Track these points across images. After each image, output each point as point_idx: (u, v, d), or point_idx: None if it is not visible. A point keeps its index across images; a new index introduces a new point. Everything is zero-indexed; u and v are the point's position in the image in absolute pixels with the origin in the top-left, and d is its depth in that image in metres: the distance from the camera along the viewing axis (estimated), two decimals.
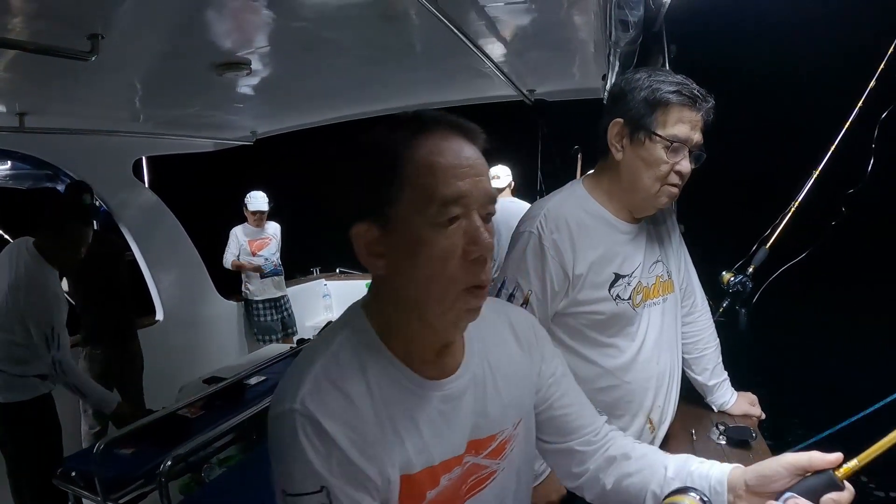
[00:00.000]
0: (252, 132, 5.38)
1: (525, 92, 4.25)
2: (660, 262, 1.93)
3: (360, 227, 0.98)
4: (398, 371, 1.02)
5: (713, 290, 2.42)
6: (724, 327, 2.40)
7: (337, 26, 2.46)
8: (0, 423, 3.32)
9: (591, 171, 1.94)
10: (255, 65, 2.85)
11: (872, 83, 2.49)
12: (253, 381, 3.85)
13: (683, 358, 2.10)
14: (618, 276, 1.82)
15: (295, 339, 6.39)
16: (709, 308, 2.24)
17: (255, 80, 3.23)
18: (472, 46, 2.61)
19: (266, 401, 3.16)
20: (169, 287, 5.41)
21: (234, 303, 6.40)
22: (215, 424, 2.97)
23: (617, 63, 2.40)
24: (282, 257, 6.61)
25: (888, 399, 2.22)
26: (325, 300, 7.96)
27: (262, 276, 6.33)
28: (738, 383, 2.30)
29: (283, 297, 6.56)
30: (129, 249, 5.07)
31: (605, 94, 3.23)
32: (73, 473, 2.86)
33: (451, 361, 1.09)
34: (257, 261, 6.32)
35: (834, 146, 2.56)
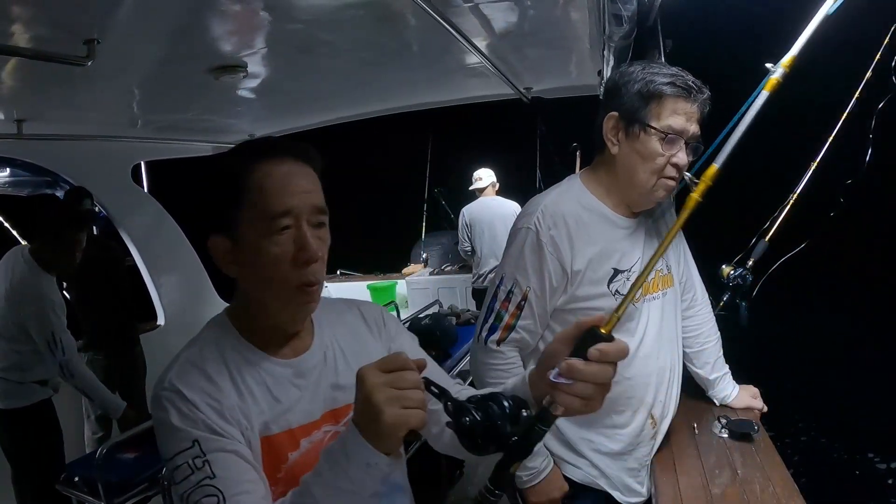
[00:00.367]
0: (250, 135, 5.35)
1: (522, 90, 4.25)
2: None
3: (216, 240, 1.18)
4: (254, 355, 1.21)
5: (713, 284, 2.42)
6: (725, 321, 2.40)
7: (333, 28, 2.45)
8: (1, 430, 3.32)
9: (589, 166, 1.93)
10: (252, 67, 2.85)
11: (869, 74, 2.49)
12: None
13: (684, 352, 2.10)
14: (617, 272, 1.81)
15: None
16: (709, 302, 2.24)
17: (251, 83, 3.23)
18: (467, 45, 2.62)
19: None
20: (170, 292, 5.40)
21: None
22: None
23: (612, 58, 2.41)
24: None
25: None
26: None
27: None
28: (740, 376, 2.29)
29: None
30: (129, 255, 5.06)
31: (601, 89, 3.23)
32: (77, 478, 2.86)
33: (300, 345, 1.28)
34: None
35: (832, 137, 2.55)
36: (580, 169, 1.96)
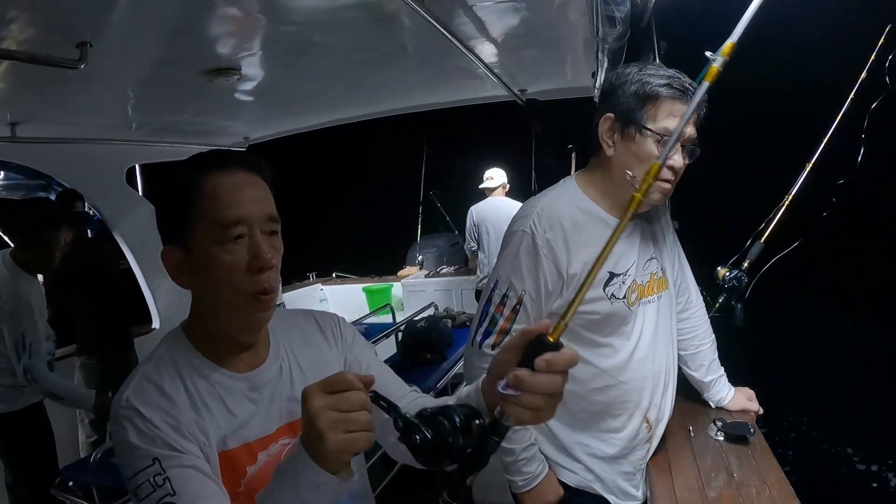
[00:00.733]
0: (245, 138, 5.38)
1: (517, 92, 4.25)
2: (654, 259, 1.91)
3: (167, 251, 1.18)
4: (209, 368, 1.21)
5: (709, 286, 2.42)
6: (721, 323, 2.40)
7: (327, 30, 2.45)
8: None
9: (584, 168, 1.92)
10: (246, 70, 2.84)
11: (864, 75, 2.49)
12: None
13: (680, 355, 2.09)
14: (612, 275, 1.81)
15: None
16: (703, 304, 2.23)
17: (246, 86, 3.23)
18: (461, 48, 2.61)
19: None
20: (165, 295, 5.38)
21: None
22: None
23: (606, 60, 2.40)
24: None
25: None
26: (322, 305, 7.95)
27: None
28: (736, 378, 2.29)
29: (279, 305, 6.49)
30: (123, 258, 5.05)
31: (596, 91, 3.23)
32: (71, 483, 2.86)
33: (255, 357, 1.27)
34: None
35: (827, 138, 2.55)
36: (575, 171, 1.95)
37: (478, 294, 6.48)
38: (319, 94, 3.89)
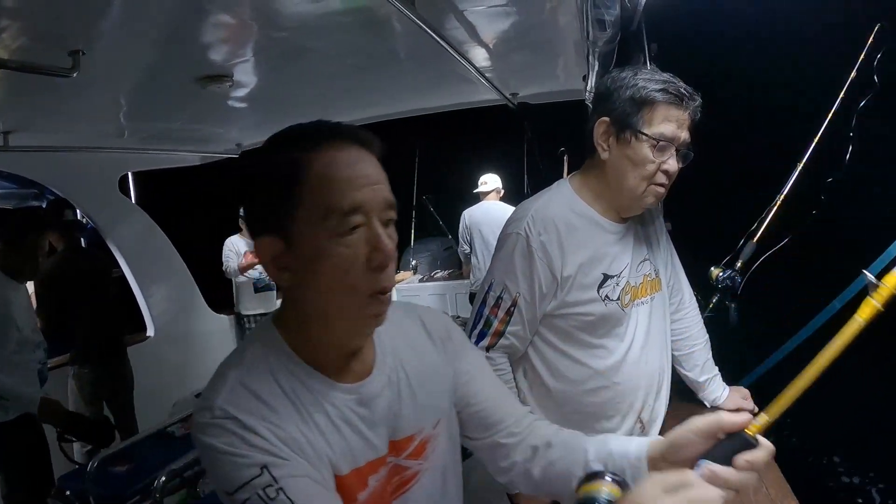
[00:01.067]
0: (237, 144, 5.36)
1: (508, 96, 4.26)
2: (647, 260, 1.92)
3: (265, 241, 1.00)
4: (310, 378, 1.04)
5: (702, 286, 2.43)
6: (715, 323, 2.41)
7: (318, 35, 2.45)
8: None
9: (578, 171, 1.93)
10: (238, 76, 2.84)
11: (853, 74, 2.51)
12: None
13: (674, 355, 2.10)
14: (606, 277, 1.81)
15: None
16: (696, 304, 2.24)
17: (238, 92, 3.22)
18: (453, 52, 2.62)
19: None
20: (159, 303, 5.38)
21: (226, 317, 6.36)
22: None
23: (596, 63, 2.41)
24: None
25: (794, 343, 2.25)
26: None
27: (256, 290, 6.28)
28: (730, 378, 2.30)
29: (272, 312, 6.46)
30: (116, 266, 5.04)
31: (587, 94, 3.24)
32: (68, 492, 2.85)
33: (362, 365, 1.10)
34: (252, 274, 6.20)
35: (817, 137, 2.57)
36: (568, 174, 1.96)
37: (472, 298, 6.46)
38: (312, 100, 3.89)
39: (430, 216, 8.89)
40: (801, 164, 2.61)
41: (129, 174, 5.50)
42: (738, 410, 2.17)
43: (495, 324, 1.83)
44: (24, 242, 3.40)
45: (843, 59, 2.56)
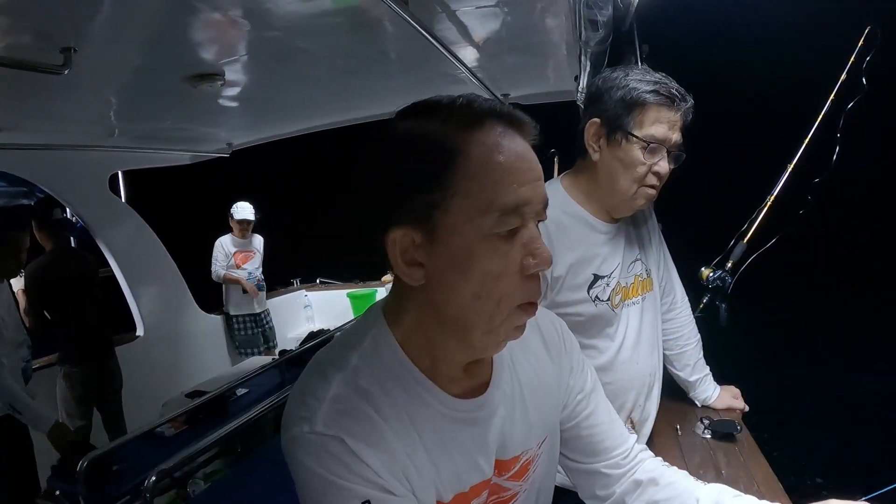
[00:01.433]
0: (228, 144, 5.35)
1: (499, 96, 4.26)
2: (639, 260, 1.93)
3: (398, 233, 0.85)
4: (425, 390, 0.92)
5: (692, 287, 2.44)
6: (705, 322, 2.42)
7: (310, 36, 2.45)
8: None
9: (569, 171, 1.93)
10: (229, 76, 2.83)
11: (843, 76, 2.52)
12: (237, 392, 3.82)
13: (665, 354, 2.10)
14: (597, 277, 1.81)
15: (276, 351, 6.29)
16: (689, 304, 2.25)
17: (229, 92, 3.22)
18: (445, 52, 2.62)
19: (250, 412, 3.14)
20: (149, 302, 5.36)
21: (216, 316, 6.35)
22: (199, 438, 2.92)
23: (588, 63, 2.42)
24: (262, 268, 6.56)
25: None
26: (307, 311, 7.93)
27: (245, 290, 6.28)
28: (721, 377, 2.31)
29: (263, 312, 6.49)
30: (105, 265, 5.01)
31: (579, 94, 3.25)
32: (57, 492, 2.83)
33: (479, 378, 0.98)
34: (241, 274, 6.26)
35: (808, 138, 2.58)
36: (557, 174, 1.96)
37: None
38: (303, 100, 3.88)
39: None
40: (792, 165, 2.62)
41: (119, 173, 5.46)
42: (728, 410, 2.22)
43: None
44: (5, 240, 3.38)
45: (833, 62, 2.57)
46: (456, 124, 0.83)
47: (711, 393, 2.24)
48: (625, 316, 1.88)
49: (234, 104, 3.62)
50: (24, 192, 4.81)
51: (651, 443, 2.02)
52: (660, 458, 1.21)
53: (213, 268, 6.28)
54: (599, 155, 1.77)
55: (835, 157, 2.55)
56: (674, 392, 2.27)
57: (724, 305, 2.55)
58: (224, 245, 6.28)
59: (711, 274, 2.58)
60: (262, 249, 6.50)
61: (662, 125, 1.67)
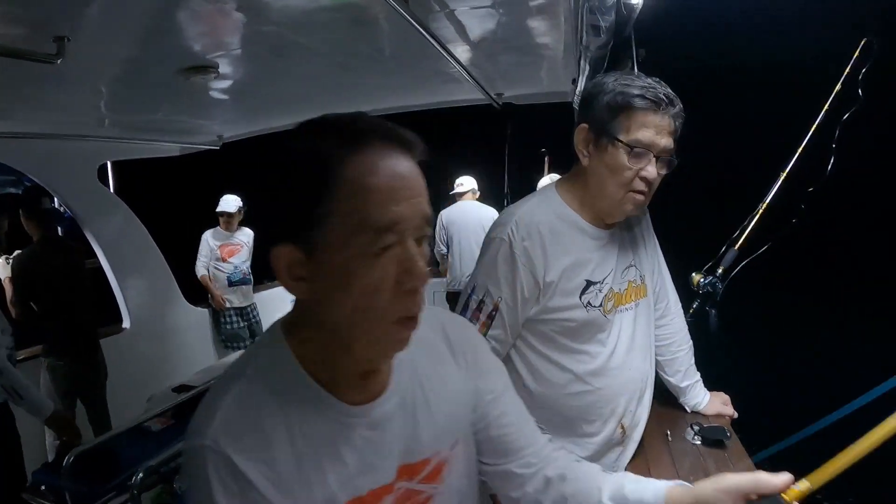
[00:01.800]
0: (219, 136, 5.34)
1: (493, 96, 4.27)
2: (633, 266, 1.93)
3: (283, 249, 0.89)
4: (319, 398, 0.95)
5: (682, 292, 2.45)
6: (694, 328, 2.42)
7: (308, 31, 2.43)
8: None
9: (565, 176, 1.93)
10: (224, 68, 2.81)
11: (838, 86, 2.54)
12: None
13: (656, 360, 2.11)
14: (589, 283, 1.81)
15: None
16: (682, 310, 2.25)
17: (223, 84, 3.20)
18: (442, 51, 2.61)
19: None
20: (136, 295, 5.32)
21: (203, 310, 6.31)
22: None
23: (587, 67, 2.41)
24: (251, 262, 6.51)
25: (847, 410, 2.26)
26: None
27: (230, 284, 6.24)
28: (710, 383, 2.32)
29: (249, 305, 6.45)
30: (92, 256, 4.97)
31: (576, 98, 3.25)
32: (43, 487, 2.80)
33: (377, 384, 1.01)
34: (227, 268, 6.22)
35: (801, 147, 2.60)
36: (548, 174, 1.96)
37: (449, 296, 6.52)
38: (296, 95, 3.86)
39: None
40: (784, 174, 2.63)
41: (109, 164, 5.42)
42: (718, 416, 2.22)
43: (477, 327, 1.82)
44: None
45: (829, 72, 2.58)
46: (335, 145, 0.86)
47: (702, 399, 2.25)
48: (617, 322, 1.89)
49: (227, 97, 3.59)
50: (12, 181, 4.76)
51: (641, 448, 2.03)
52: (574, 455, 1.23)
53: (197, 264, 6.26)
54: (588, 160, 1.77)
55: (830, 167, 2.57)
56: (664, 397, 2.27)
57: (714, 311, 2.56)
58: (208, 239, 6.25)
59: (702, 280, 2.59)
60: (250, 243, 6.43)
61: (648, 130, 1.66)
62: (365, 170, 0.85)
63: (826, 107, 2.56)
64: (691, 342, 2.24)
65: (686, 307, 2.48)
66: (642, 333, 1.96)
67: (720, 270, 2.60)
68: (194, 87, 3.11)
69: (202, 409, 0.92)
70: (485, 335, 1.82)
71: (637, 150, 1.66)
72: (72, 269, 4.36)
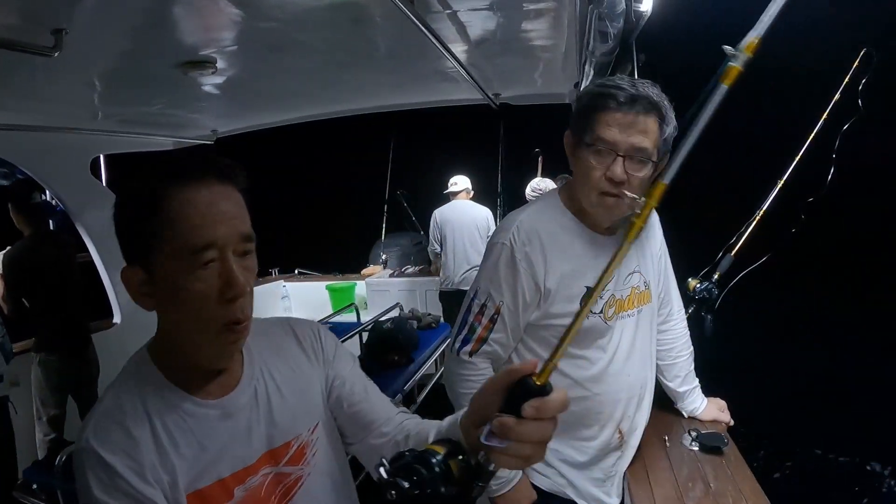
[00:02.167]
0: (213, 131, 5.32)
1: (491, 96, 4.27)
2: (636, 272, 1.91)
3: (128, 271, 1.06)
4: (176, 397, 1.10)
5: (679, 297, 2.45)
6: (690, 334, 2.42)
7: (307, 28, 2.43)
8: None
9: (567, 182, 1.92)
10: (221, 64, 2.81)
11: (837, 96, 2.54)
12: None
13: (657, 364, 2.11)
14: (590, 290, 1.81)
15: None
16: (684, 316, 2.24)
17: (219, 79, 3.18)
18: (442, 50, 2.61)
19: None
20: None
21: None
22: None
23: (592, 72, 2.41)
24: None
25: None
26: (285, 301, 7.88)
27: None
28: (707, 389, 2.32)
29: None
30: (83, 251, 4.93)
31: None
32: (34, 486, 2.77)
33: (229, 380, 1.17)
34: None
35: (799, 156, 2.60)
36: (541, 174, 1.96)
37: (441, 296, 6.53)
38: (293, 91, 3.86)
39: (403, 211, 8.86)
40: (782, 182, 2.63)
41: (101, 157, 5.37)
42: (714, 422, 2.23)
43: (479, 330, 1.83)
44: None
45: (828, 82, 2.59)
46: (161, 183, 1.02)
47: (699, 405, 2.25)
48: (618, 328, 1.88)
49: (223, 92, 3.58)
50: (4, 173, 4.71)
51: (640, 453, 2.03)
52: (423, 421, 1.31)
53: None
54: (573, 165, 1.77)
55: (829, 177, 2.57)
56: (662, 403, 2.27)
57: (709, 317, 2.57)
58: None
59: (698, 285, 2.59)
60: None
61: (612, 128, 1.62)
62: (183, 202, 1.01)
63: (825, 116, 2.56)
64: (692, 348, 2.24)
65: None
66: (643, 340, 1.95)
67: (716, 276, 2.60)
68: (192, 82, 3.10)
69: (84, 420, 1.07)
70: (486, 338, 1.82)
71: (598, 148, 1.64)
72: (64, 265, 4.31)
